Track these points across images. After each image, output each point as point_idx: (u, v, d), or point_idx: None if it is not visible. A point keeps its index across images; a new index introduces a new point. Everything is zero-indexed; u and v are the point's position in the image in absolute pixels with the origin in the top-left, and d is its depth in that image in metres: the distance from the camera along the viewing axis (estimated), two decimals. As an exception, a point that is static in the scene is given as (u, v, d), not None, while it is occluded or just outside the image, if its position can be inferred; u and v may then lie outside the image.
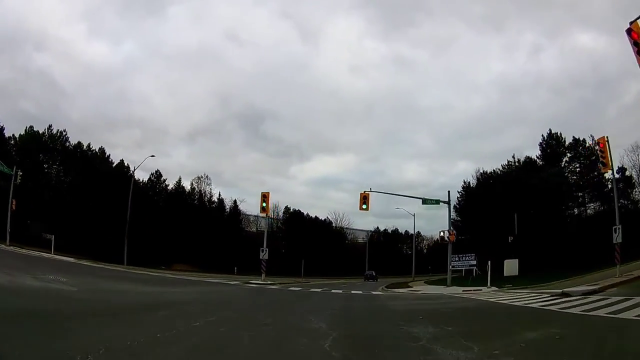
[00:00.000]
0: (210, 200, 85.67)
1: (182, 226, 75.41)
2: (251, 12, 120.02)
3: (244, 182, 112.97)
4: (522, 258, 33.31)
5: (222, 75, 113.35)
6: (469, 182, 62.02)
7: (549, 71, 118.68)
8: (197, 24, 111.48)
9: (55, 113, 72.41)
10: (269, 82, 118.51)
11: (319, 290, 25.84)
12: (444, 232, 28.68)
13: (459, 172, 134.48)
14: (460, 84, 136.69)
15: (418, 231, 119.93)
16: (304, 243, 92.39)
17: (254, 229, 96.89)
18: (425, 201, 29.41)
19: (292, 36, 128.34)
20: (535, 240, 39.93)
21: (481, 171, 59.92)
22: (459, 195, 62.77)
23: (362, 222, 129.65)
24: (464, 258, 39.10)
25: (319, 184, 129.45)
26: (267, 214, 31.08)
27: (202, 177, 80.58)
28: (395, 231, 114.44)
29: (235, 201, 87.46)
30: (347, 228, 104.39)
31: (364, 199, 29.23)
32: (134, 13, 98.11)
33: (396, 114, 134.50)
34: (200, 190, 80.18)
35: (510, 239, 39.95)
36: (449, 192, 36.56)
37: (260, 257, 31.14)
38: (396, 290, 28.44)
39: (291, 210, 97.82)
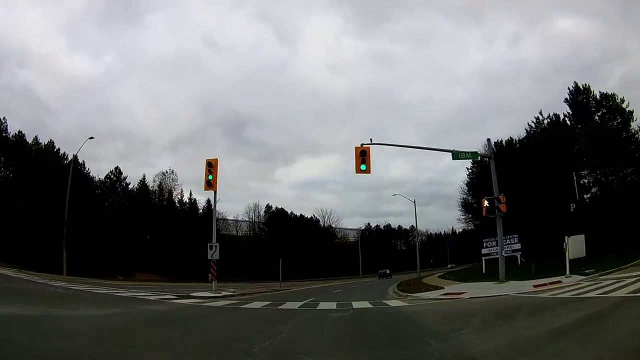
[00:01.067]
0: (181, 201, 75.56)
1: (145, 229, 65.37)
2: (228, 17, 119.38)
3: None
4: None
5: (203, 82, 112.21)
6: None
7: (531, 59, 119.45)
8: (175, 32, 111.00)
9: (41, 129, 67.43)
10: (249, 87, 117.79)
11: (298, 305, 15.91)
12: (488, 200, 19.10)
13: (444, 167, 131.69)
14: (441, 77, 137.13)
15: (412, 225, 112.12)
16: (289, 244, 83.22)
17: (233, 232, 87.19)
18: (456, 155, 20.15)
19: (270, 38, 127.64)
20: (601, 209, 31.22)
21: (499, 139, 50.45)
22: (470, 169, 53.45)
23: (351, 222, 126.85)
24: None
25: (304, 187, 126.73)
26: (215, 191, 21.83)
27: (166, 172, 70.46)
28: (388, 227, 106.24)
29: (208, 201, 77.23)
30: (336, 227, 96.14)
31: (362, 155, 19.70)
32: (113, 24, 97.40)
33: (379, 111, 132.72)
34: (166, 188, 69.60)
35: (572, 207, 30.28)
36: (488, 140, 25.36)
37: (209, 257, 22.06)
38: (419, 294, 18.32)
39: (273, 209, 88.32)
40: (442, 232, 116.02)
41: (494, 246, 29.07)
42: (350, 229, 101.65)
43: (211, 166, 21.97)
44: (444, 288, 20.23)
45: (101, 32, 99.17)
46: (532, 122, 45.90)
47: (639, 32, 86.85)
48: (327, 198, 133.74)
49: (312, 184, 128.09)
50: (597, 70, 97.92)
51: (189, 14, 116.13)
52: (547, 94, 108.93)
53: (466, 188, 54.24)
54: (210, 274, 21.20)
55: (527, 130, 46.07)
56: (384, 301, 16.26)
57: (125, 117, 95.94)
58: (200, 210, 76.71)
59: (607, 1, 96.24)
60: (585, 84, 40.95)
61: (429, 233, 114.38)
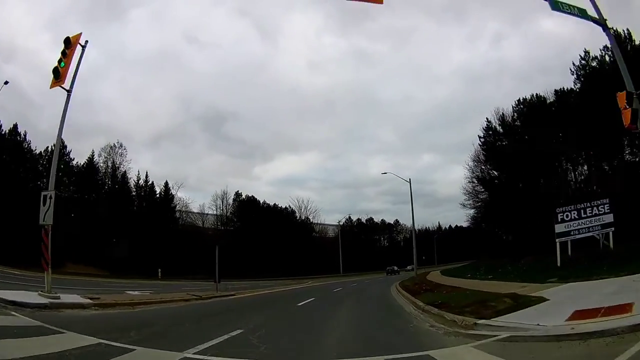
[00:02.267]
0: (138, 185, 64.98)
1: (90, 213, 54.99)
2: (209, 12, 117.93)
3: (209, 186, 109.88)
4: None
5: (183, 77, 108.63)
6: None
7: (514, 59, 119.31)
8: (157, 27, 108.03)
9: (25, 123, 63.07)
10: (229, 83, 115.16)
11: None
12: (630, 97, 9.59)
13: (423, 166, 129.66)
14: (422, 76, 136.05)
15: (396, 219, 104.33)
16: (261, 237, 74.02)
17: (199, 223, 77.10)
18: (556, 5, 10.95)
19: (251, 35, 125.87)
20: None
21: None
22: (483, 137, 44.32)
23: (330, 220, 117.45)
24: (585, 212, 18.78)
25: (283, 184, 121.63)
26: (68, 92, 12.24)
27: (114, 146, 59.85)
28: (370, 220, 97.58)
29: (166, 183, 67.08)
30: (314, 221, 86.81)
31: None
32: (96, 19, 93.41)
33: (358, 109, 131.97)
34: (114, 165, 59.11)
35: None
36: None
37: (40, 222, 11.50)
38: (508, 320, 7.25)
39: (243, 196, 78.50)
40: (427, 228, 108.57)
41: (578, 219, 18.97)
42: (330, 225, 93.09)
43: (68, 46, 12.45)
44: (545, 299, 9.68)
45: (85, 27, 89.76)
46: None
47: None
48: (306, 195, 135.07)
49: (291, 181, 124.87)
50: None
51: (172, 10, 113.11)
52: (529, 93, 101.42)
53: (481, 158, 44.82)
54: (42, 258, 11.36)
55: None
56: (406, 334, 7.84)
57: (106, 112, 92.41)
58: (158, 195, 66.25)
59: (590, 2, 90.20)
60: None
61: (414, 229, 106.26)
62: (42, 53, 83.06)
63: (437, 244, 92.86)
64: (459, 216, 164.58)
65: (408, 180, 36.81)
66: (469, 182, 46.61)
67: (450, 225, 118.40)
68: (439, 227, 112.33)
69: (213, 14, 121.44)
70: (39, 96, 77.66)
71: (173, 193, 66.44)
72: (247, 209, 77.48)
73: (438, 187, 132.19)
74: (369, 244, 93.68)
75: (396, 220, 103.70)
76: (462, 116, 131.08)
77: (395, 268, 69.38)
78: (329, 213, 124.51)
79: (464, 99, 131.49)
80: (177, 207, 69.82)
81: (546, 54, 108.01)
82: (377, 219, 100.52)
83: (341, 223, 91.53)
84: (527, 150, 33.28)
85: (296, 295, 20.71)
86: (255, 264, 68.62)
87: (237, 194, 77.84)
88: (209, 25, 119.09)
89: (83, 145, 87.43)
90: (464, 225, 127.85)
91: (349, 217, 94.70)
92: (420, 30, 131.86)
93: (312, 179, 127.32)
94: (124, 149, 60.37)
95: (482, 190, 44.77)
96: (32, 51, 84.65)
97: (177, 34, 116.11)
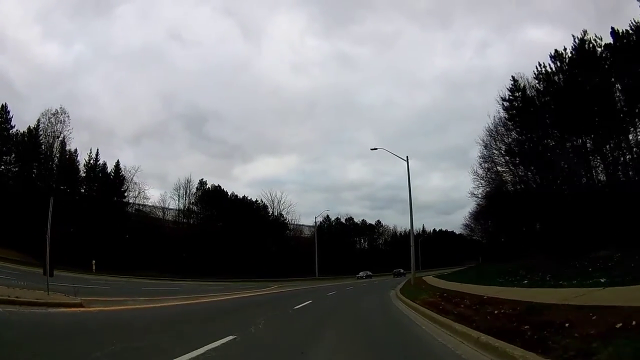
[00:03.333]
0: (89, 164, 55.70)
1: (28, 189, 45.81)
2: (194, 10, 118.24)
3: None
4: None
5: (166, 75, 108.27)
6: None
7: (498, 67, 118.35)
8: (143, 24, 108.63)
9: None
10: (211, 82, 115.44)
11: None
12: None
13: (403, 171, 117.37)
14: (404, 81, 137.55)
15: (378, 220, 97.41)
16: (227, 233, 65.82)
17: (159, 215, 67.89)
18: None
19: (235, 35, 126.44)
20: None
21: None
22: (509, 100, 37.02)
23: (307, 222, 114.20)
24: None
25: (262, 185, 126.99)
26: None
27: (56, 112, 50.49)
28: (350, 220, 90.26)
29: (117, 164, 58.09)
30: (289, 221, 78.61)
31: None
32: (85, 14, 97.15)
33: (339, 112, 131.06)
34: (54, 134, 49.96)
35: None
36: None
37: None
38: None
39: (208, 185, 69.96)
40: (409, 232, 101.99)
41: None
42: (306, 225, 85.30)
43: None
44: None
45: (73, 21, 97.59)
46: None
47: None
48: (294, 209, 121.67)
49: (270, 183, 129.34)
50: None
51: (158, 6, 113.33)
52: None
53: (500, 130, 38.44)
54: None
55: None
56: None
57: (90, 107, 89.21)
58: (109, 177, 57.18)
59: (582, 12, 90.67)
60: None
61: (396, 232, 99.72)
62: (31, 45, 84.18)
63: (421, 248, 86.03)
64: (439, 223, 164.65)
65: (405, 159, 29.37)
66: (484, 161, 41.26)
67: (434, 229, 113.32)
68: (423, 230, 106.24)
69: (198, 12, 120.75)
70: (25, 87, 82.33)
71: (124, 175, 57.25)
72: (212, 200, 69.04)
73: (417, 193, 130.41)
74: (347, 246, 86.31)
75: (378, 221, 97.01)
76: (443, 123, 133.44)
77: (402, 270, 68.92)
78: (307, 216, 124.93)
79: (445, 106, 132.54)
80: (132, 194, 60.58)
81: (533, 64, 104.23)
82: (357, 219, 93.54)
83: (318, 221, 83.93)
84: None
85: (205, 320, 10.25)
86: (219, 262, 60.38)
87: (202, 183, 69.11)
88: (194, 23, 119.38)
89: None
90: (448, 230, 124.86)
91: (327, 217, 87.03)
92: (404, 35, 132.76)
93: (291, 182, 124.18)
94: (67, 116, 50.91)
95: (504, 165, 38.61)
96: (22, 43, 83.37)
97: (162, 31, 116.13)
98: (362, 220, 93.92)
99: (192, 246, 61.01)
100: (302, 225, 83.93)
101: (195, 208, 68.92)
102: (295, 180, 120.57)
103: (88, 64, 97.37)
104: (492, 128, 38.28)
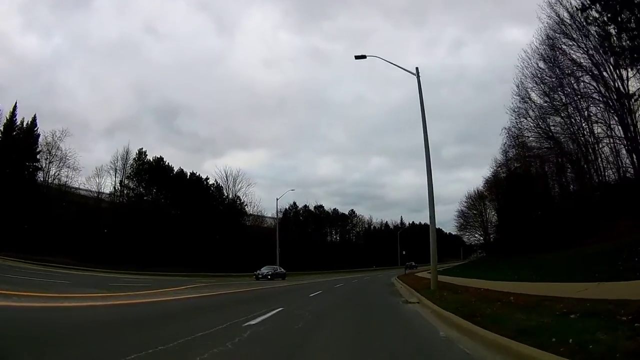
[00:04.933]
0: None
1: None
2: (170, 4, 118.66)
3: None
4: None
5: (140, 68, 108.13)
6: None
7: (472, 66, 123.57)
8: (119, 16, 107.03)
9: None
10: (184, 76, 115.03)
11: None
12: None
13: (373, 168, 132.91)
14: (376, 78, 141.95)
15: (352, 209, 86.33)
16: (169, 215, 53.37)
17: (94, 190, 54.11)
18: None
19: (209, 29, 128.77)
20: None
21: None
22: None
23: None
24: None
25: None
26: None
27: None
28: (320, 209, 78.60)
29: (34, 118, 44.62)
30: (248, 209, 65.82)
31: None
32: (65, 5, 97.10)
33: (310, 108, 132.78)
34: None
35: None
36: None
37: None
38: None
39: (148, 158, 56.74)
40: (386, 223, 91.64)
41: None
42: (270, 217, 73.07)
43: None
44: None
45: (53, 13, 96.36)
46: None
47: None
48: (253, 192, 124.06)
49: (240, 177, 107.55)
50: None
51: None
52: (486, 101, 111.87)
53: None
54: None
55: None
56: None
57: (66, 99, 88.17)
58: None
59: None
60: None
61: (370, 225, 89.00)
62: (12, 37, 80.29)
63: (400, 243, 75.49)
64: (411, 219, 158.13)
65: (415, 72, 17.41)
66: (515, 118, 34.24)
67: (412, 222, 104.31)
68: (401, 222, 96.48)
69: (174, 5, 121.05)
70: (5, 79, 75.77)
71: (39, 133, 43.86)
72: (152, 175, 55.92)
73: (387, 190, 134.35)
74: (317, 239, 74.72)
75: (352, 211, 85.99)
76: (415, 121, 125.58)
77: (413, 264, 68.59)
78: (270, 209, 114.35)
79: (417, 104, 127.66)
80: (56, 163, 47.60)
81: (507, 64, 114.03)
82: (327, 205, 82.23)
83: (282, 208, 71.78)
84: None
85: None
86: (162, 250, 48.13)
87: (140, 153, 55.74)
88: (169, 16, 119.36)
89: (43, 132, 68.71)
90: (427, 224, 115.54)
91: (294, 204, 75.12)
92: (377, 32, 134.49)
93: (261, 177, 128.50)
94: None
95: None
96: (3, 34, 78.14)
97: (138, 24, 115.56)
98: (334, 209, 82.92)
99: (119, 229, 48.11)
100: (265, 216, 71.84)
101: (130, 184, 55.50)
102: (265, 175, 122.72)
103: (65, 56, 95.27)
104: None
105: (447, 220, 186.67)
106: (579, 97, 28.72)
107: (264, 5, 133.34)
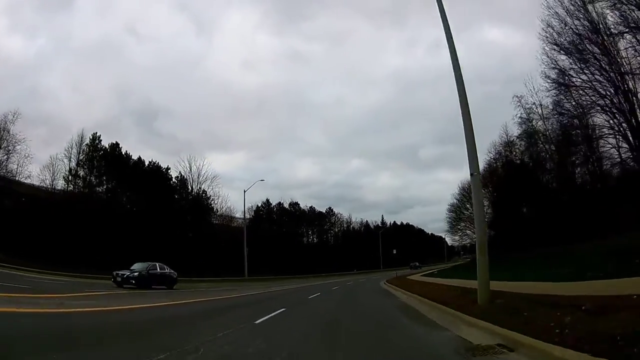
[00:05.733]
0: None
1: None
2: (151, 5, 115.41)
3: None
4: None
5: (121, 70, 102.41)
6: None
7: (451, 66, 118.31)
8: (101, 17, 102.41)
9: None
10: (164, 77, 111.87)
11: None
12: None
13: (352, 170, 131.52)
14: (355, 79, 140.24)
15: (330, 207, 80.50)
16: (126, 211, 46.44)
17: (46, 180, 46.44)
18: None
19: (188, 30, 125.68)
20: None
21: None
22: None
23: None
24: None
25: (225, 197, 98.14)
26: None
27: None
28: (296, 206, 72.25)
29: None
30: (213, 197, 58.30)
31: None
32: (49, 6, 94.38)
33: (289, 110, 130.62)
34: None
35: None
36: None
37: None
38: None
39: (106, 145, 49.53)
40: (366, 223, 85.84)
41: None
42: (239, 218, 66.24)
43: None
44: None
45: (38, 15, 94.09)
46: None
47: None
48: (232, 194, 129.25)
49: (218, 180, 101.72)
50: (523, 83, 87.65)
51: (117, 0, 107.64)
52: (469, 101, 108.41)
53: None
54: None
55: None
56: None
57: (48, 101, 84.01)
58: None
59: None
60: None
61: (350, 225, 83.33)
62: None
63: (382, 243, 69.91)
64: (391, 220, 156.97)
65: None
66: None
67: (393, 222, 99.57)
68: (382, 221, 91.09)
69: (155, 6, 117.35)
70: None
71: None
72: (106, 163, 48.81)
73: (365, 192, 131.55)
74: (292, 240, 68.35)
75: (329, 209, 79.94)
76: (394, 123, 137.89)
77: (417, 264, 69.53)
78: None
79: (397, 105, 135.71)
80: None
81: (487, 64, 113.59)
82: (303, 204, 75.83)
83: (253, 205, 65.18)
84: None
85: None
86: (116, 249, 41.38)
87: (94, 138, 48.47)
88: (150, 17, 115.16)
89: (28, 135, 60.59)
90: (410, 223, 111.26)
91: (267, 201, 68.55)
92: (357, 33, 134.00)
93: (239, 179, 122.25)
94: None
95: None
96: None
97: (119, 25, 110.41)
98: (311, 207, 76.69)
99: (62, 224, 41.09)
100: (235, 216, 64.94)
101: (82, 173, 48.32)
102: (243, 177, 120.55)
103: (49, 58, 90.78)
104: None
105: (427, 221, 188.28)
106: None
107: (243, 6, 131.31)
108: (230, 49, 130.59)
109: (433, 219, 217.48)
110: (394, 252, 36.07)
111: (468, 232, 59.77)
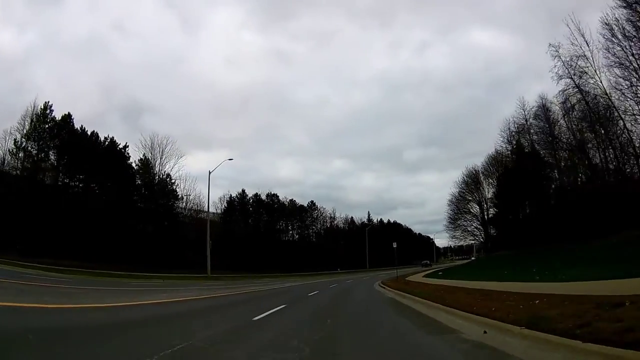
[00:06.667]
0: None
1: None
2: (138, 1, 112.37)
3: None
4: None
5: (107, 66, 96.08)
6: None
7: (437, 69, 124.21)
8: (89, 13, 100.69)
9: None
10: (149, 74, 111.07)
11: None
12: None
13: (335, 171, 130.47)
14: (339, 80, 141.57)
15: (312, 201, 74.35)
16: (79, 195, 40.07)
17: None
18: None
19: (174, 27, 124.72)
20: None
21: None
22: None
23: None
24: None
25: (192, 180, 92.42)
26: None
27: None
28: (274, 198, 65.74)
29: None
30: (180, 191, 51.55)
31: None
32: (39, 1, 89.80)
33: (272, 109, 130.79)
34: None
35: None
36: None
37: None
38: None
39: (55, 115, 42.94)
40: (351, 219, 79.99)
41: None
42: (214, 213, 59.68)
43: None
44: None
45: (28, 9, 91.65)
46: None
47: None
48: (213, 192, 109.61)
49: (200, 178, 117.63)
50: (511, 87, 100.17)
51: None
52: (451, 105, 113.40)
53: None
54: None
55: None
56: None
57: (37, 96, 64.30)
58: None
59: (533, 17, 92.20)
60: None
61: (333, 222, 77.29)
62: None
63: (369, 240, 63.95)
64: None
65: None
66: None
67: (380, 219, 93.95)
68: (369, 218, 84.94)
69: (142, 3, 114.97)
70: None
71: None
72: (56, 138, 42.36)
73: (348, 193, 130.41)
74: (270, 235, 61.85)
75: (311, 202, 73.62)
76: (378, 124, 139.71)
77: (428, 262, 71.02)
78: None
79: (380, 106, 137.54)
80: None
81: (473, 67, 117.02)
82: (283, 196, 69.25)
83: (229, 195, 58.38)
84: None
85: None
86: (65, 239, 35.06)
87: (46, 108, 41.98)
88: (137, 14, 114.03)
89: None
90: (397, 222, 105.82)
91: (242, 191, 61.82)
92: (342, 33, 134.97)
93: (221, 177, 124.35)
94: None
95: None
96: None
97: (107, 21, 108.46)
98: (291, 200, 70.23)
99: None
100: (204, 210, 58.32)
101: (30, 148, 41.80)
102: (226, 176, 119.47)
103: (38, 53, 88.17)
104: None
105: (411, 222, 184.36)
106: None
107: (228, 3, 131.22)
108: (215, 46, 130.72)
109: (417, 220, 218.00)
110: (395, 245, 30.31)
111: (471, 226, 54.21)
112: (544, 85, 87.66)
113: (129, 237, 41.07)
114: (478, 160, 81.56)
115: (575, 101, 30.32)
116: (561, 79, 30.03)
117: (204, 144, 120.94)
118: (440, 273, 34.96)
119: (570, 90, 30.13)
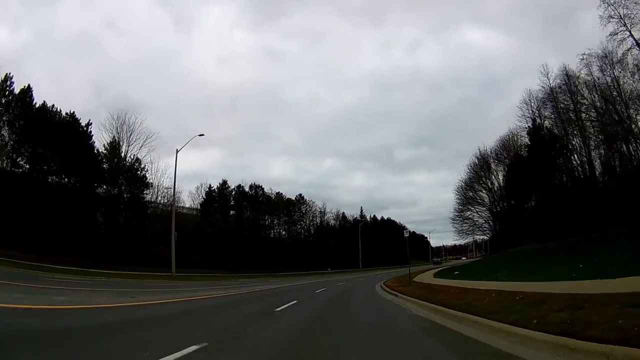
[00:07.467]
0: None
1: None
2: None
3: None
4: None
5: (99, 63, 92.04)
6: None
7: (428, 68, 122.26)
8: (83, 10, 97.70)
9: None
10: (140, 72, 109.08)
11: None
12: None
13: (326, 170, 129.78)
14: (330, 79, 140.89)
15: (300, 194, 69.38)
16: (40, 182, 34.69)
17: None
18: None
19: (166, 24, 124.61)
20: None
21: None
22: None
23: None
24: None
25: (183, 179, 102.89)
26: None
27: None
28: (259, 190, 60.32)
29: None
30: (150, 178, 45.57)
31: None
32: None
33: (262, 107, 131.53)
34: None
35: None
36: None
37: None
38: None
39: (14, 89, 37.87)
40: (342, 215, 75.33)
41: None
42: (186, 208, 54.13)
43: None
44: None
45: (23, 5, 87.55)
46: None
47: (558, 51, 76.93)
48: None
49: (191, 177, 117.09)
50: (503, 87, 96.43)
51: None
52: (442, 104, 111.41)
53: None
54: None
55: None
56: None
57: (34, 95, 51.13)
58: None
59: (527, 17, 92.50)
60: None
61: (322, 219, 72.27)
62: None
63: (361, 238, 58.95)
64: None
65: None
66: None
67: (373, 216, 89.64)
68: (362, 214, 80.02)
69: (135, 0, 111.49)
70: None
71: None
72: (14, 114, 37.18)
73: (339, 192, 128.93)
74: (253, 231, 56.54)
75: (300, 195, 68.46)
76: (369, 123, 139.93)
77: (438, 259, 71.93)
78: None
79: (371, 105, 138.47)
80: None
81: (465, 66, 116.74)
82: (267, 188, 63.79)
83: (205, 187, 53.00)
84: None
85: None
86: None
87: (6, 79, 36.81)
88: (129, 11, 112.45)
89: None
90: (391, 218, 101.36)
91: (224, 182, 56.26)
92: (333, 32, 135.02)
93: (212, 176, 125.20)
94: None
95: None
96: None
97: (99, 19, 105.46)
98: (278, 192, 64.88)
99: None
100: (185, 206, 52.92)
101: None
102: (217, 174, 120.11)
103: (32, 50, 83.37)
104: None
105: (403, 222, 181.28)
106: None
107: (221, 2, 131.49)
108: (207, 45, 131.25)
109: (408, 220, 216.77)
110: (406, 235, 25.84)
111: (480, 218, 49.68)
112: (544, 83, 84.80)
113: (86, 228, 35.67)
114: (469, 160, 79.37)
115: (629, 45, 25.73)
116: (610, 20, 25.66)
117: (195, 142, 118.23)
118: (457, 272, 30.12)
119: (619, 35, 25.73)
